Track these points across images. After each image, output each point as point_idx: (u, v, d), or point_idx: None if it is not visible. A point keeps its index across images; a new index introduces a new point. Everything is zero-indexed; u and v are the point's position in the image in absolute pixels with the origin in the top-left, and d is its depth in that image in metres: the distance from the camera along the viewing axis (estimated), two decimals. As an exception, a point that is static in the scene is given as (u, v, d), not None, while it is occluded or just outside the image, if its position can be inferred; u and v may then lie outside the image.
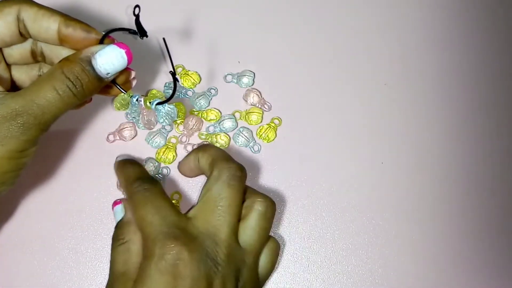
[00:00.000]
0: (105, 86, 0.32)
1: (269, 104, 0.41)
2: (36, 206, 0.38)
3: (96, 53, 0.29)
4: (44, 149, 0.36)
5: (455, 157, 0.42)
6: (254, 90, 0.41)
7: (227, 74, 0.42)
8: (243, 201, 0.32)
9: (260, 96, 0.41)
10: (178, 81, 0.34)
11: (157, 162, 0.39)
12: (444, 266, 0.39)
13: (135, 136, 0.40)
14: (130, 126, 0.40)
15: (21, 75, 0.33)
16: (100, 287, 0.37)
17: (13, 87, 0.34)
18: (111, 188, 0.39)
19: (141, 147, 0.40)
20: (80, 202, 0.38)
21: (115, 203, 0.35)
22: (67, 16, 0.30)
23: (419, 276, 0.39)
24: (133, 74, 0.33)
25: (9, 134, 0.27)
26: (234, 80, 0.42)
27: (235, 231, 0.31)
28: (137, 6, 0.32)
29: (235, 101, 0.41)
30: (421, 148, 0.42)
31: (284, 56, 0.43)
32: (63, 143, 0.39)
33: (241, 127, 0.41)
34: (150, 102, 0.34)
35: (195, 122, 0.40)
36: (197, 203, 0.32)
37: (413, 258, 0.39)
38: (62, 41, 0.30)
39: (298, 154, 0.41)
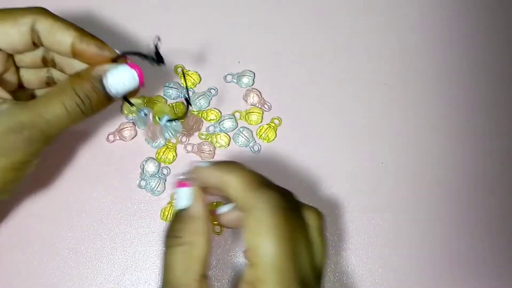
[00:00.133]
0: None
1: (269, 104, 0.41)
2: (36, 206, 0.38)
3: (108, 72, 0.29)
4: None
5: (455, 157, 0.42)
6: (254, 90, 0.41)
7: (227, 74, 0.42)
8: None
9: (260, 96, 0.41)
10: (191, 105, 0.33)
11: (157, 162, 0.39)
12: (444, 266, 0.39)
13: (135, 136, 0.40)
14: (130, 126, 0.40)
15: (29, 76, 0.33)
16: (100, 287, 0.37)
17: (20, 87, 0.34)
18: (111, 188, 0.39)
19: (141, 147, 0.40)
20: (80, 202, 0.38)
21: (181, 183, 0.29)
22: (82, 31, 0.30)
23: (419, 276, 0.39)
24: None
25: (14, 146, 0.27)
26: (234, 80, 0.42)
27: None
28: (157, 37, 0.32)
29: (235, 101, 0.41)
30: (421, 148, 0.42)
31: (284, 56, 0.43)
32: (63, 143, 0.39)
33: (241, 127, 0.41)
34: (159, 118, 0.33)
35: (195, 122, 0.40)
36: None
37: (413, 258, 0.39)
38: (75, 55, 0.30)
39: (298, 154, 0.41)
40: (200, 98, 0.41)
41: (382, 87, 0.43)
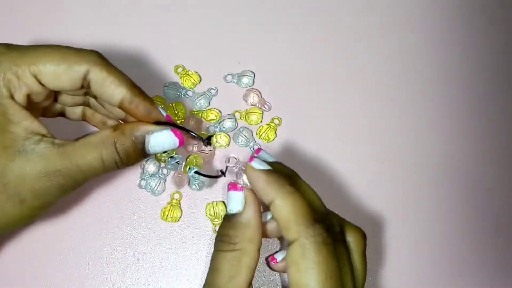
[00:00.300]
0: None
1: (269, 104, 0.41)
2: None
3: (151, 134, 0.29)
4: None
5: (455, 156, 0.42)
6: (254, 90, 0.41)
7: (227, 74, 0.42)
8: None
9: (260, 96, 0.41)
10: (224, 175, 0.35)
11: (157, 162, 0.39)
12: (444, 266, 0.39)
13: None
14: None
15: (66, 98, 0.33)
16: (100, 287, 0.37)
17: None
18: (111, 188, 0.39)
19: (141, 147, 0.40)
20: (79, 202, 0.38)
21: (233, 186, 0.29)
22: (133, 89, 0.29)
23: (419, 276, 0.39)
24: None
25: (47, 192, 0.27)
26: (234, 80, 0.42)
27: None
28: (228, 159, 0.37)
29: (235, 101, 0.41)
30: (421, 148, 0.42)
31: (284, 56, 0.43)
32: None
33: (241, 127, 0.41)
34: (189, 168, 0.35)
35: (195, 122, 0.40)
36: None
37: (413, 258, 0.39)
38: (121, 108, 0.30)
39: (298, 154, 0.41)
40: (200, 98, 0.41)
41: (382, 87, 0.43)
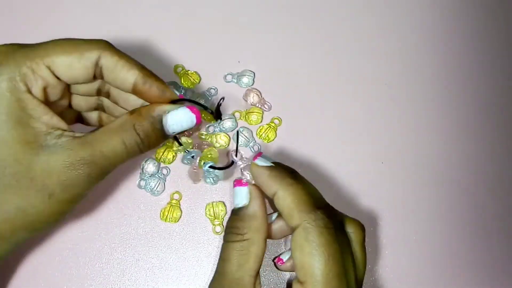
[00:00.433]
0: None
1: (269, 104, 0.41)
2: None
3: (168, 113, 0.30)
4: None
5: (455, 157, 0.42)
6: (254, 90, 0.41)
7: (227, 74, 0.42)
8: None
9: (260, 96, 0.41)
10: (234, 162, 0.35)
11: (157, 162, 0.39)
12: (444, 266, 0.39)
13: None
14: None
15: (80, 100, 0.33)
16: (100, 287, 0.37)
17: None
18: (110, 187, 0.39)
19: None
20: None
21: (239, 182, 0.31)
22: (145, 71, 0.30)
23: (419, 276, 0.39)
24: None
25: (74, 182, 0.27)
26: (234, 80, 0.42)
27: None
28: (223, 98, 0.36)
29: (235, 101, 0.41)
30: (421, 148, 0.42)
31: (284, 56, 0.43)
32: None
33: (241, 127, 0.41)
34: (204, 163, 0.35)
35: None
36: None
37: (413, 258, 0.39)
38: (135, 92, 0.30)
39: (298, 154, 0.41)
40: (200, 98, 0.41)
41: (382, 87, 0.43)
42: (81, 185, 0.28)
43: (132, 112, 0.29)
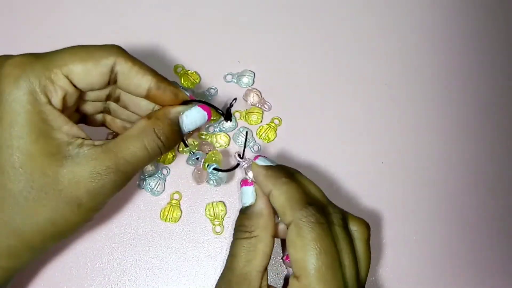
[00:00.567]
0: None
1: (269, 104, 0.41)
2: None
3: (183, 113, 0.31)
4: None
5: (455, 157, 0.42)
6: (254, 90, 0.41)
7: (227, 74, 0.42)
8: None
9: (260, 96, 0.41)
10: (239, 165, 0.35)
11: (157, 162, 0.39)
12: (444, 266, 0.39)
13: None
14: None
15: (87, 106, 0.33)
16: (100, 287, 0.37)
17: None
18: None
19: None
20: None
21: (245, 182, 0.32)
22: (158, 77, 0.30)
23: (419, 276, 0.39)
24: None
25: (102, 191, 0.27)
26: (234, 80, 0.42)
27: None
28: (235, 99, 0.38)
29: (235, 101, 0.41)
30: (421, 148, 0.42)
31: (284, 56, 0.43)
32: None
33: (241, 127, 0.41)
34: (208, 165, 0.35)
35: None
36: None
37: (413, 258, 0.39)
38: (148, 97, 0.30)
39: (298, 154, 0.41)
40: (200, 98, 0.41)
41: (382, 87, 0.43)
42: (107, 192, 0.28)
43: (149, 117, 0.30)
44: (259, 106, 0.41)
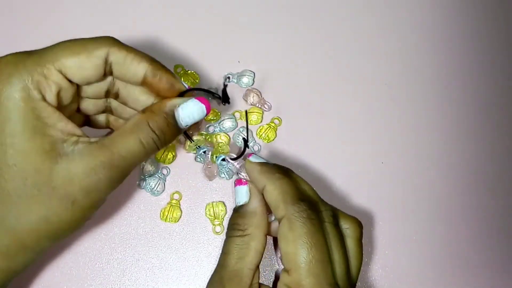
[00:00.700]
0: None
1: (269, 104, 0.41)
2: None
3: (179, 106, 0.30)
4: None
5: (455, 157, 0.42)
6: (254, 90, 0.41)
7: (227, 74, 0.42)
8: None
9: (260, 96, 0.41)
10: (248, 147, 0.35)
11: (157, 162, 0.39)
12: (444, 266, 0.39)
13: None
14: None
15: (88, 105, 0.33)
16: (100, 287, 0.37)
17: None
18: (111, 188, 0.39)
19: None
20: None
21: (239, 182, 0.32)
22: (154, 63, 0.30)
23: (419, 276, 0.39)
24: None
25: (97, 188, 0.27)
26: (234, 80, 0.42)
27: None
28: (227, 77, 0.36)
29: (235, 101, 0.41)
30: (421, 148, 0.42)
31: (284, 56, 0.43)
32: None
33: (241, 127, 0.41)
34: (216, 157, 0.35)
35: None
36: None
37: (412, 258, 0.39)
38: (144, 84, 0.30)
39: (298, 154, 0.41)
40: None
41: (382, 87, 0.43)
42: (102, 189, 0.28)
43: (144, 110, 0.29)
44: (259, 106, 0.41)
